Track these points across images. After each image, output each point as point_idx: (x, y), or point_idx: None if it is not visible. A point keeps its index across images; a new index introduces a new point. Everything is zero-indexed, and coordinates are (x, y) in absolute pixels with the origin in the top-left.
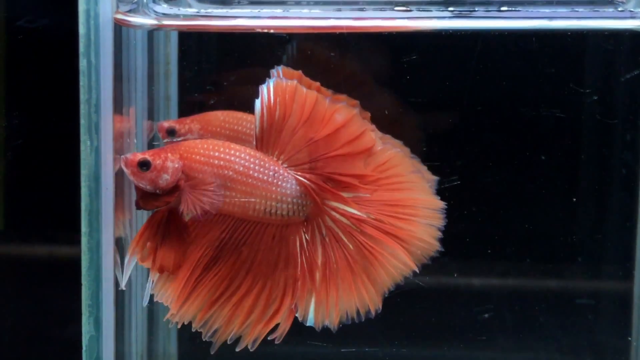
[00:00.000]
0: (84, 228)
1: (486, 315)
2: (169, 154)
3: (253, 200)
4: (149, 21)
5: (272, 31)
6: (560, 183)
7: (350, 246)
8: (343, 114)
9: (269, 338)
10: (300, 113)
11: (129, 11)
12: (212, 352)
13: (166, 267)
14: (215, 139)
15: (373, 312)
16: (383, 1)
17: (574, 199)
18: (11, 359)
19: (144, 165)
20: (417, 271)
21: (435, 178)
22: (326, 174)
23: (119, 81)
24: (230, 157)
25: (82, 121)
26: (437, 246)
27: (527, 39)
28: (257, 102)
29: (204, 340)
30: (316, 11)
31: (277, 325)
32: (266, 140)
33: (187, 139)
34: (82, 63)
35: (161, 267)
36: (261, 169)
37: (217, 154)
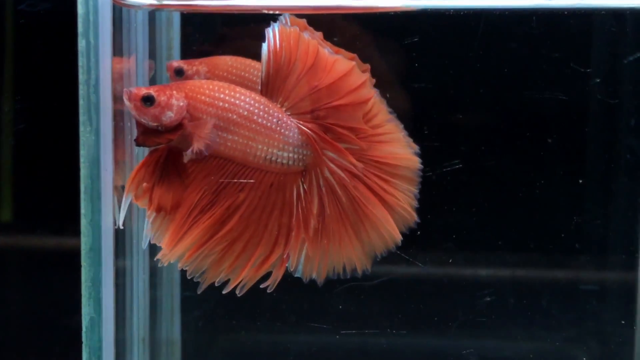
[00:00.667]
0: (83, 210)
1: (488, 299)
2: (174, 92)
3: (255, 145)
4: (147, 1)
5: (277, 12)
6: (564, 169)
7: (344, 200)
8: (343, 65)
9: (261, 286)
10: (305, 60)
11: None
12: (198, 292)
13: (163, 206)
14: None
15: (360, 271)
16: None
17: (578, 186)
18: (20, 349)
19: (148, 100)
20: (399, 244)
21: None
22: (327, 124)
23: (118, 64)
24: (236, 101)
25: (81, 102)
26: (415, 217)
27: (528, 20)
28: (264, 46)
29: (188, 278)
30: None
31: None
32: (271, 85)
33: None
34: (81, 43)
35: (158, 207)
36: (265, 115)
37: (222, 95)
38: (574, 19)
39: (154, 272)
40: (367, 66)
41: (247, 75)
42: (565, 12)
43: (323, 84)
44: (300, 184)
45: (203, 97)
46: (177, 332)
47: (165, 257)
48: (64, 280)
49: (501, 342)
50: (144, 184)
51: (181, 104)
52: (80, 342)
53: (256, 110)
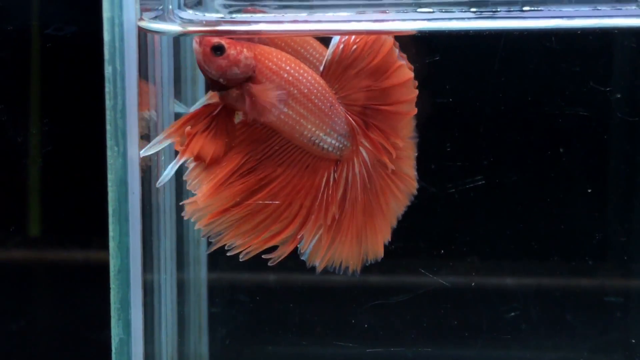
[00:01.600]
0: (111, 232)
1: (512, 314)
2: (245, 49)
3: (305, 124)
4: (172, 28)
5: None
6: (586, 181)
7: (362, 199)
8: (403, 74)
9: (263, 256)
10: (373, 57)
11: (154, 18)
12: (207, 252)
13: (202, 157)
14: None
15: (350, 272)
16: (407, 3)
17: (600, 197)
18: None
19: (219, 49)
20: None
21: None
22: (370, 123)
23: (144, 87)
24: (299, 76)
25: (108, 127)
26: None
27: (549, 38)
28: (336, 37)
29: (203, 237)
30: (341, 14)
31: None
32: (333, 71)
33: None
34: (107, 70)
35: (197, 155)
36: (322, 97)
37: (288, 67)
38: (593, 36)
39: (181, 289)
40: (415, 82)
41: (303, 51)
42: (584, 32)
43: (380, 85)
44: (332, 172)
45: (270, 64)
46: (205, 348)
47: (195, 211)
48: (92, 294)
49: (527, 353)
50: (188, 128)
51: (249, 63)
52: (108, 356)
53: (315, 91)
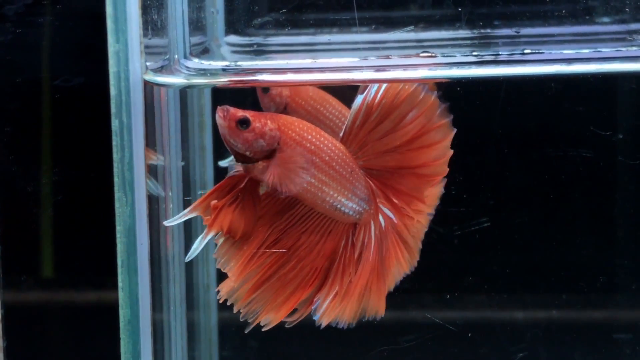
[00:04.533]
0: (121, 283)
1: (521, 355)
2: (269, 122)
3: (327, 191)
4: (177, 80)
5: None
6: (593, 220)
7: (372, 262)
8: (441, 133)
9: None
10: (400, 118)
11: (160, 68)
12: (246, 332)
13: (233, 232)
14: (297, 111)
15: (344, 325)
16: (411, 46)
17: (606, 237)
18: None
19: (244, 123)
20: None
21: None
22: (390, 185)
23: (152, 137)
24: (320, 144)
25: (116, 179)
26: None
27: (550, 82)
28: (359, 98)
29: (242, 319)
30: (343, 60)
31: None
32: (353, 135)
33: (274, 101)
34: (114, 124)
35: (228, 230)
36: (342, 164)
37: (310, 137)
38: (594, 79)
39: (192, 334)
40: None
41: (322, 110)
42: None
43: (405, 148)
44: (350, 235)
45: (293, 134)
46: None
47: (231, 292)
48: (105, 335)
49: None
50: (214, 202)
51: (274, 134)
52: None
53: (336, 157)
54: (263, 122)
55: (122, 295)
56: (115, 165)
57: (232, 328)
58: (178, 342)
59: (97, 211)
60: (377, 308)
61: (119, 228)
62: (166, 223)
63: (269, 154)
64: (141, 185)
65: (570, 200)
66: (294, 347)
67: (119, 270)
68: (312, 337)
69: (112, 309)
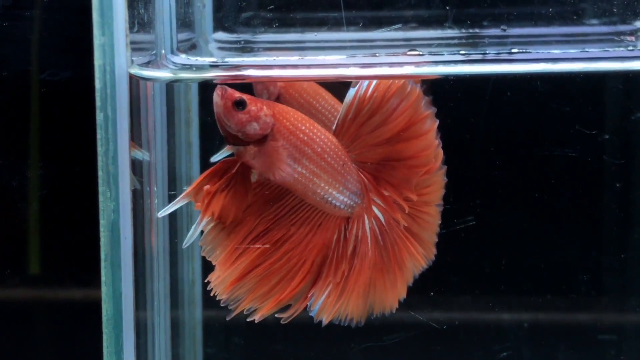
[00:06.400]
0: (104, 277)
1: (504, 354)
2: (265, 107)
3: (318, 183)
4: (163, 75)
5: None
6: (577, 220)
7: (370, 256)
8: (427, 124)
9: (276, 315)
10: (391, 112)
11: (147, 63)
12: (227, 319)
13: (223, 217)
14: (289, 102)
15: (354, 324)
16: (399, 45)
17: (591, 237)
18: None
19: (240, 104)
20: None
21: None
22: (382, 178)
23: (137, 131)
24: (313, 136)
25: (100, 172)
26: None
27: (536, 81)
28: (351, 92)
29: (222, 304)
30: (331, 57)
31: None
32: (345, 129)
33: (267, 89)
34: (99, 117)
35: (219, 216)
36: (334, 156)
37: (303, 127)
38: (581, 78)
39: (175, 330)
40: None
41: (315, 103)
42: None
43: (395, 140)
44: (344, 229)
45: (287, 123)
46: None
47: (217, 280)
48: (90, 332)
49: None
50: (207, 186)
51: (268, 120)
52: None
53: (328, 150)
54: (259, 107)
55: (105, 290)
56: (99, 159)
57: (216, 325)
58: (162, 338)
59: (84, 206)
60: (386, 304)
61: (102, 222)
62: (159, 214)
63: (261, 140)
64: (125, 179)
65: (555, 200)
66: (278, 344)
67: (102, 264)
68: (297, 334)
69: (99, 306)
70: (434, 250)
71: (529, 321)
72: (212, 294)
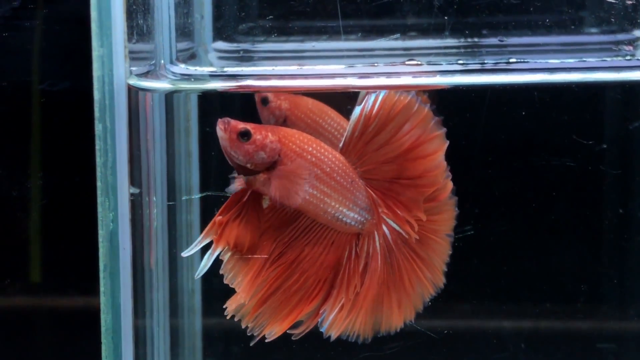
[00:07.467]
0: (102, 287)
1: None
2: (269, 134)
3: (329, 202)
4: (162, 85)
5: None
6: (576, 229)
7: (380, 273)
8: (435, 145)
9: (287, 331)
10: (397, 129)
11: (146, 73)
12: (251, 345)
13: (239, 245)
14: (296, 124)
15: (361, 340)
16: (398, 54)
17: (591, 246)
18: None
19: (245, 135)
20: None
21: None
22: (391, 196)
23: (136, 141)
24: (321, 156)
25: (99, 183)
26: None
27: (534, 90)
28: (357, 109)
29: (249, 333)
30: (330, 67)
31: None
32: (352, 146)
33: (274, 113)
34: (98, 128)
35: (235, 245)
36: (343, 174)
37: (310, 149)
38: (579, 88)
39: (175, 340)
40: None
41: (321, 122)
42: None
43: (402, 159)
44: (354, 246)
45: (294, 146)
46: None
47: (238, 308)
48: (91, 340)
49: None
50: (219, 217)
51: (275, 146)
52: None
53: (336, 168)
54: (264, 134)
55: (103, 300)
56: (98, 169)
57: (215, 334)
58: (161, 347)
59: (84, 216)
60: (392, 321)
61: (101, 232)
62: (184, 254)
63: (270, 166)
64: (124, 189)
65: (553, 209)
66: (277, 353)
67: (101, 274)
68: (296, 343)
69: (100, 314)
70: (443, 279)
71: (528, 330)
72: (235, 319)
